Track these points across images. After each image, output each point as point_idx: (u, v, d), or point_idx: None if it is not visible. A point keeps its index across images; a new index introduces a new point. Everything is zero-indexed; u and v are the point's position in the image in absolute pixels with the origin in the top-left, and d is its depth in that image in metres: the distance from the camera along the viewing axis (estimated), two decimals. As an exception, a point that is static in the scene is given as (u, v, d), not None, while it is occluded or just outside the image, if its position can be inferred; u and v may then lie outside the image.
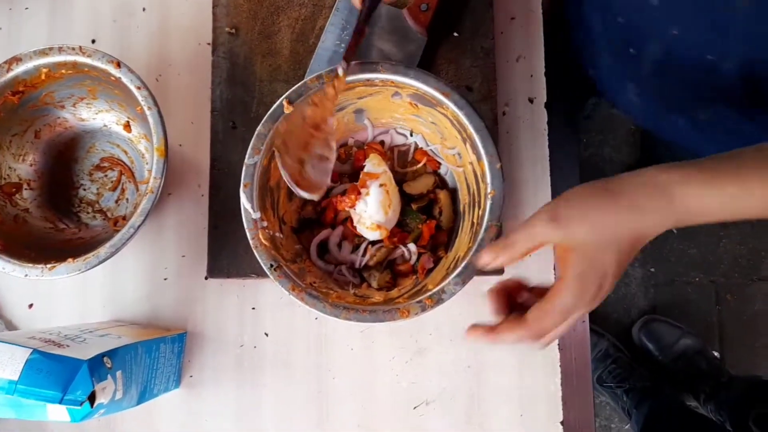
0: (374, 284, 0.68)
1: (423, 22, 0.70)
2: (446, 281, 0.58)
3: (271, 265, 0.59)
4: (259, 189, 0.61)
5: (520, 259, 0.49)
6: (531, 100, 0.75)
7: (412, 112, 0.67)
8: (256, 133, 0.61)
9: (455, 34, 0.73)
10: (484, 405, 0.71)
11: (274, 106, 0.61)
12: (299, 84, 0.62)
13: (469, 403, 0.71)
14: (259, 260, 0.60)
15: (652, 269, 1.59)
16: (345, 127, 0.71)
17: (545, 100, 0.75)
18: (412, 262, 0.69)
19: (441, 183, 0.72)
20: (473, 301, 0.73)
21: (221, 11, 0.75)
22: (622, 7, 0.62)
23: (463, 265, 0.58)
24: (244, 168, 0.61)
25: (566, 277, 0.46)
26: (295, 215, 0.70)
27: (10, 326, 0.74)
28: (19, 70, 0.65)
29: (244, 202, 0.60)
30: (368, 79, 0.62)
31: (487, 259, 0.49)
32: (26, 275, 0.62)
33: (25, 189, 0.72)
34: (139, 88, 0.64)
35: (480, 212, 0.61)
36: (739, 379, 1.38)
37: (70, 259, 0.62)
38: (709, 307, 1.57)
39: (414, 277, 0.68)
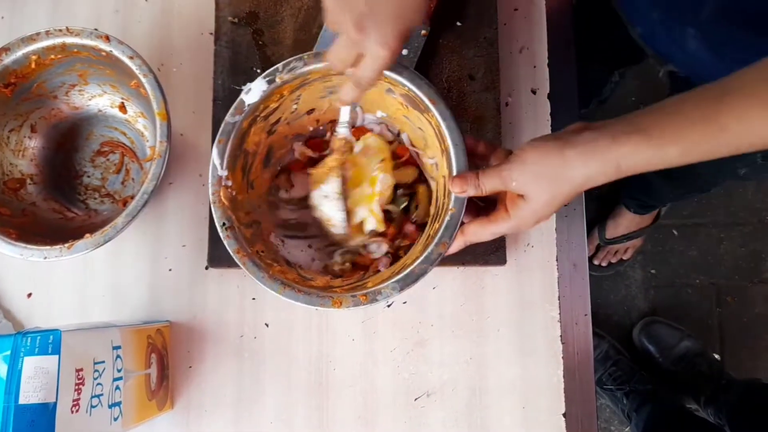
0: (336, 268, 0.68)
1: (426, 11, 0.70)
2: (385, 284, 0.57)
3: (224, 224, 0.60)
4: (233, 149, 0.61)
5: (482, 194, 0.56)
6: (534, 91, 0.75)
7: (402, 112, 0.67)
8: (242, 93, 0.61)
9: (458, 23, 0.73)
10: (486, 397, 0.71)
11: (270, 70, 0.61)
12: (296, 56, 0.62)
13: (471, 395, 0.71)
14: (214, 217, 0.60)
15: (653, 271, 1.58)
16: (336, 110, 0.70)
17: (548, 91, 0.75)
18: (376, 256, 0.68)
19: (421, 179, 0.72)
20: (476, 292, 0.72)
21: (224, 0, 0.75)
22: None
23: (406, 272, 0.57)
24: (222, 125, 0.61)
25: (511, 215, 0.54)
26: (267, 183, 0.70)
27: (9, 316, 0.73)
28: (8, 60, 0.65)
29: (215, 157, 0.60)
30: None
31: (456, 189, 0.56)
32: (45, 257, 0.61)
33: (29, 184, 0.72)
34: (131, 57, 0.64)
35: (437, 226, 0.60)
36: (738, 382, 1.37)
37: (87, 235, 0.61)
38: (709, 310, 1.57)
39: (361, 272, 0.68)
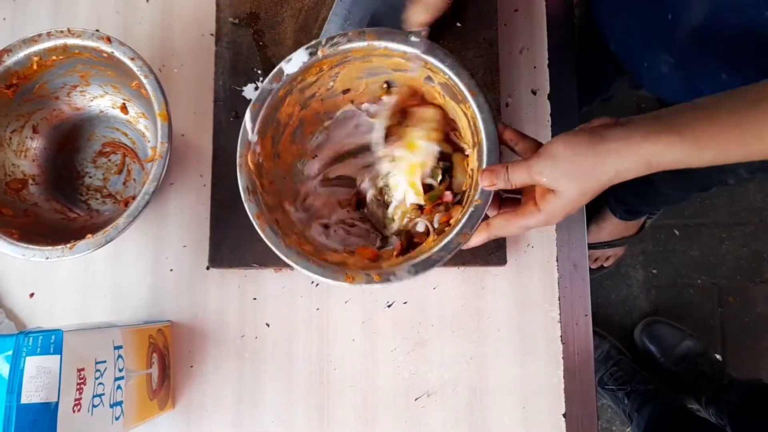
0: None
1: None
2: (401, 266, 0.58)
3: (247, 188, 0.60)
4: (265, 116, 0.61)
5: (511, 188, 0.55)
6: (534, 92, 0.75)
7: (438, 101, 0.67)
8: (282, 63, 0.61)
9: (458, 24, 0.73)
10: (486, 397, 0.71)
11: (313, 42, 0.61)
12: (341, 33, 0.62)
13: (471, 395, 0.71)
14: (238, 181, 0.60)
15: (654, 271, 1.58)
16: (372, 94, 0.70)
17: (548, 92, 0.75)
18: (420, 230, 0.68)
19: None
20: (476, 292, 0.73)
21: (225, 1, 0.75)
22: None
23: (422, 257, 0.58)
24: (259, 90, 0.61)
25: (541, 209, 0.54)
26: (293, 157, 0.70)
27: (11, 315, 0.73)
28: (10, 61, 0.65)
29: (247, 121, 0.60)
30: (405, 53, 0.61)
31: (485, 182, 0.56)
32: (47, 258, 0.61)
33: (31, 184, 0.72)
34: (132, 59, 0.64)
35: (459, 216, 0.60)
36: (740, 382, 1.37)
37: (89, 235, 0.61)
38: (711, 310, 1.57)
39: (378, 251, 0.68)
